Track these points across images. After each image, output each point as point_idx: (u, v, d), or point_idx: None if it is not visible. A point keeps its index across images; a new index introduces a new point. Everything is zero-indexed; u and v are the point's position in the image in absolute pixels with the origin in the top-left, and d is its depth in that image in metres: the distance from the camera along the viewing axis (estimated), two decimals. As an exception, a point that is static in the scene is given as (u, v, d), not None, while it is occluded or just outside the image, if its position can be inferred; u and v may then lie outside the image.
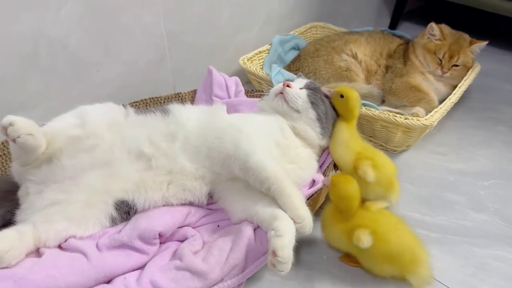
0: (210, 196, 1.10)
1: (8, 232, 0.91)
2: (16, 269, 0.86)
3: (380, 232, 0.97)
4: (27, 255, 0.93)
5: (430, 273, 0.98)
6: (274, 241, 0.87)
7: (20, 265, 0.88)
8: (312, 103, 1.14)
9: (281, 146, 1.10)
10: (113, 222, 1.03)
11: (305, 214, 0.95)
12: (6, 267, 0.87)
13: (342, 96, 1.15)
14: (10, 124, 0.92)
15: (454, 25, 1.71)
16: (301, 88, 1.17)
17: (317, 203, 1.15)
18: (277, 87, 1.18)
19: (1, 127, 0.93)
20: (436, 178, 1.39)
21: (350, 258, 1.09)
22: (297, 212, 0.94)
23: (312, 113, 1.14)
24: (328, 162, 1.19)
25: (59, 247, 0.98)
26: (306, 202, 1.00)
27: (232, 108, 1.36)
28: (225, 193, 1.09)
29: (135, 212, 1.05)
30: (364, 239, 0.95)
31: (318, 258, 1.12)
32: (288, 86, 1.14)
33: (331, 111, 1.19)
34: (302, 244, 1.15)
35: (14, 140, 0.93)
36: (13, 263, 0.88)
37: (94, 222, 1.01)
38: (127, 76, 1.46)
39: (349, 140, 1.14)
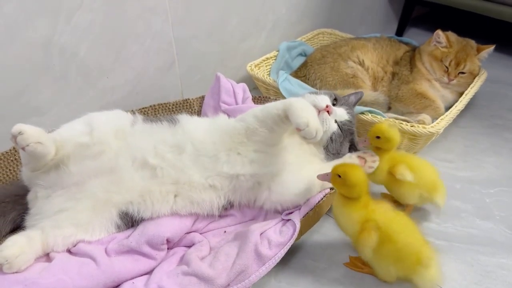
0: (225, 208, 1.12)
1: (17, 238, 0.93)
2: (26, 274, 0.88)
3: (389, 231, 0.97)
4: (37, 259, 0.95)
5: (437, 276, 0.98)
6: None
7: (30, 269, 0.90)
8: (330, 138, 1.17)
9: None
10: (119, 228, 1.06)
11: (308, 120, 0.95)
12: (16, 272, 0.89)
13: (378, 137, 1.16)
14: (20, 133, 0.93)
15: (460, 31, 1.71)
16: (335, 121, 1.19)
17: (323, 209, 1.16)
18: (318, 103, 1.16)
19: (10, 135, 0.94)
20: None
21: (355, 264, 1.10)
22: (299, 120, 0.95)
23: (323, 142, 1.17)
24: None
25: (69, 251, 0.99)
26: (311, 211, 1.03)
27: (239, 114, 1.37)
28: (255, 192, 1.11)
29: (142, 220, 1.07)
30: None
31: (323, 264, 1.12)
32: (328, 112, 1.15)
33: (343, 150, 1.22)
34: (308, 251, 1.16)
35: (23, 148, 0.95)
36: (22, 268, 0.90)
37: (100, 228, 1.03)
38: (136, 82, 1.48)
39: None
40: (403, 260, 0.97)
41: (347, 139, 1.22)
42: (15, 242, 0.91)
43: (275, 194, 1.09)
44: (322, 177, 1.03)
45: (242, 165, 1.07)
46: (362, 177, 0.99)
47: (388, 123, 1.17)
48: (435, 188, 1.16)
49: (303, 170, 1.10)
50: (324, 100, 1.17)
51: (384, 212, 1.01)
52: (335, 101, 1.23)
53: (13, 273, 0.88)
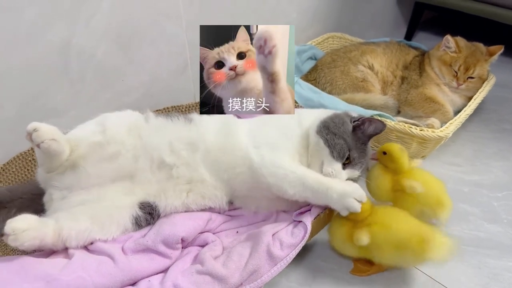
0: (231, 202, 1.15)
1: (28, 215, 0.95)
2: (48, 270, 0.90)
3: (388, 224, 1.01)
4: (55, 254, 0.99)
5: (448, 245, 0.99)
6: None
7: (52, 266, 0.92)
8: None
9: (300, 153, 1.12)
10: (137, 224, 1.07)
11: (348, 189, 1.00)
12: (19, 247, 0.90)
13: (384, 153, 1.16)
14: (35, 130, 0.96)
15: (469, 35, 1.73)
16: None
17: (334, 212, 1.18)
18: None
19: (26, 132, 0.97)
20: (450, 189, 1.39)
21: (360, 269, 1.12)
22: (345, 200, 1.00)
23: None
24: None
25: (86, 249, 1.02)
26: (322, 213, 1.07)
27: (249, 116, 1.39)
28: (247, 200, 1.14)
29: (158, 216, 1.10)
30: (363, 237, 1.01)
31: (333, 265, 1.14)
32: None
33: None
34: (318, 252, 1.18)
35: (38, 145, 0.97)
36: (25, 245, 0.90)
37: (118, 224, 1.05)
38: (150, 85, 1.50)
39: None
40: (407, 246, 0.99)
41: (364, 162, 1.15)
42: (26, 217, 0.93)
43: (266, 202, 1.14)
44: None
45: (238, 187, 1.12)
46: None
47: (400, 147, 1.16)
48: (439, 204, 1.14)
49: None
50: (337, 176, 1.06)
51: (375, 210, 1.05)
52: (347, 160, 1.08)
53: (17, 251, 0.93)
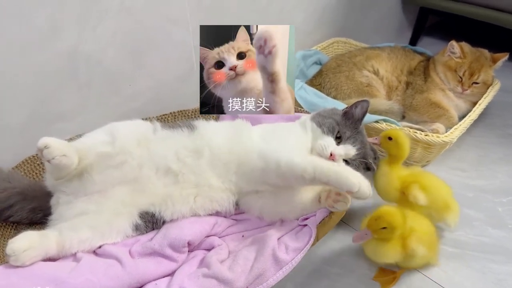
0: (237, 204, 1.16)
1: (29, 232, 0.96)
2: (57, 273, 0.91)
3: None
4: (63, 258, 0.99)
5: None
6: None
7: (60, 269, 0.93)
8: None
9: (308, 149, 1.13)
10: (138, 230, 1.09)
11: (359, 180, 0.95)
12: (20, 266, 0.91)
13: (390, 138, 1.18)
14: (46, 147, 0.97)
15: (473, 40, 1.74)
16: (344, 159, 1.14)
17: (338, 216, 1.18)
18: (323, 152, 1.10)
19: (37, 148, 0.98)
20: (455, 194, 1.40)
21: (384, 274, 1.14)
22: (350, 181, 0.94)
23: None
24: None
25: (94, 252, 1.03)
26: (327, 217, 1.07)
27: (256, 122, 1.40)
28: (252, 203, 1.14)
29: (163, 223, 1.11)
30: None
31: (338, 269, 1.15)
32: (332, 159, 1.10)
33: None
34: (323, 256, 1.19)
35: (49, 161, 0.99)
36: (27, 263, 0.92)
37: (118, 230, 1.06)
38: (157, 89, 1.52)
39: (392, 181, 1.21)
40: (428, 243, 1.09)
41: (361, 167, 1.17)
42: (26, 236, 0.95)
43: (270, 207, 1.13)
44: (359, 237, 1.05)
45: (248, 182, 1.12)
46: (400, 221, 1.04)
47: (404, 133, 1.18)
48: (446, 208, 1.17)
49: (300, 193, 1.12)
50: (329, 147, 1.10)
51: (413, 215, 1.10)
52: (339, 134, 1.14)
53: (18, 267, 0.91)
